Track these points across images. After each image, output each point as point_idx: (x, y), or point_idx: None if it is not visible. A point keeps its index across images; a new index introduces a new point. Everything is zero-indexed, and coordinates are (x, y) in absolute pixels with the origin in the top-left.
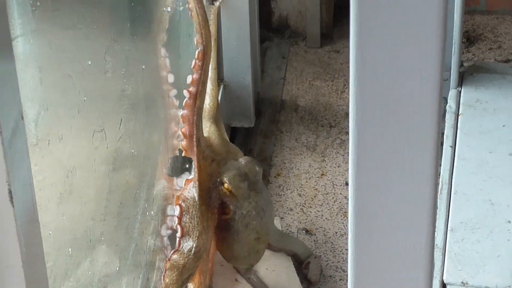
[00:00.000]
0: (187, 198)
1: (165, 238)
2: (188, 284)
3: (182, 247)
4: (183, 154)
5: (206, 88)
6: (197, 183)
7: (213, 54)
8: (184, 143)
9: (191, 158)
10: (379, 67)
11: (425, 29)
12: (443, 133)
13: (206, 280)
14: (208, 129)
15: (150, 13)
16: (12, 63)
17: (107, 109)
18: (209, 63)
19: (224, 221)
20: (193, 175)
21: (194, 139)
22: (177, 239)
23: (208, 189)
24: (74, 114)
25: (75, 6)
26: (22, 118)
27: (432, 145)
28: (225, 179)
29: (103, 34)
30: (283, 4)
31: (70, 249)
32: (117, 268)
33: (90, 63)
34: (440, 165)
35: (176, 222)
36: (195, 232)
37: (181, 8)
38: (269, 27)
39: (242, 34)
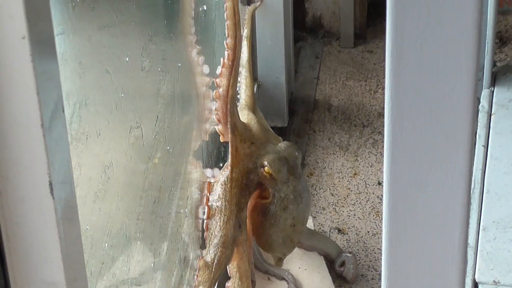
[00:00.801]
0: (219, 180)
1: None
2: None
3: (210, 240)
4: (220, 139)
5: (236, 79)
6: (230, 166)
7: (248, 50)
8: (220, 127)
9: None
10: (415, 67)
11: (460, 29)
12: (475, 133)
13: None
14: (246, 116)
15: (186, 11)
16: (55, 59)
17: (143, 106)
18: (239, 58)
19: (262, 206)
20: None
21: (229, 124)
22: (205, 221)
23: (247, 170)
24: (112, 110)
25: (113, 3)
26: (63, 111)
27: (466, 144)
28: (265, 162)
29: (140, 31)
30: (317, 4)
31: (106, 245)
32: (152, 265)
33: (127, 60)
34: (473, 164)
35: (204, 202)
36: (222, 217)
37: (217, 6)
38: (303, 27)
39: (277, 34)
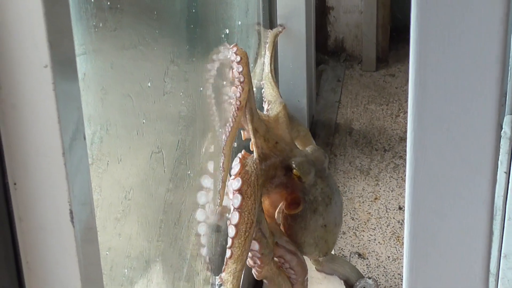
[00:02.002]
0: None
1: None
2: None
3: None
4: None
5: (251, 94)
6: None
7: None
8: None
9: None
10: (437, 94)
11: (483, 56)
12: (498, 159)
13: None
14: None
15: (208, 36)
16: (77, 86)
17: (165, 130)
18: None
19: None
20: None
21: (250, 127)
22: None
23: (274, 165)
24: (133, 134)
25: (135, 26)
26: (84, 138)
27: (488, 171)
28: (294, 165)
29: (162, 55)
30: (339, 27)
31: (126, 270)
32: None
33: (149, 84)
34: (494, 192)
35: (238, 186)
36: (246, 206)
37: (239, 29)
38: (325, 50)
39: (299, 57)
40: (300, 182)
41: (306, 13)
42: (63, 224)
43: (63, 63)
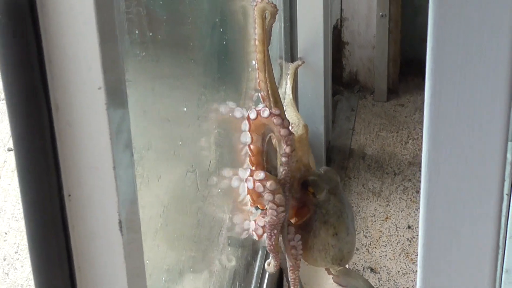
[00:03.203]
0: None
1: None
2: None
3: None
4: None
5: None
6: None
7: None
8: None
9: None
10: (451, 121)
11: (492, 87)
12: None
13: None
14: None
15: (236, 66)
16: (126, 108)
17: (198, 152)
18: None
19: (305, 223)
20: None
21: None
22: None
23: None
24: (171, 155)
25: (174, 57)
26: (132, 155)
27: (496, 193)
28: (310, 182)
29: (196, 83)
30: (353, 61)
31: (163, 278)
32: None
33: (185, 109)
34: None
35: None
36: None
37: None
38: (340, 82)
39: (317, 88)
40: (314, 197)
41: (324, 48)
42: (112, 232)
43: (114, 86)
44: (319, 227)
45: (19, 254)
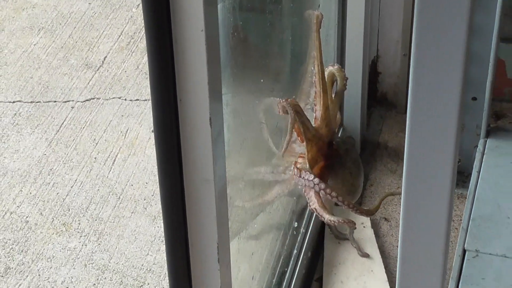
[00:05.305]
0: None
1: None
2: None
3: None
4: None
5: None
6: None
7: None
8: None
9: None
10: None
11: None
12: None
13: None
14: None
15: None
16: (223, 138)
17: (266, 160)
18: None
19: (327, 168)
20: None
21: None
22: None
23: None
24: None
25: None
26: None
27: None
28: (335, 142)
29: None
30: (384, 85)
31: (252, 276)
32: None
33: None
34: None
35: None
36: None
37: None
38: (374, 99)
39: (356, 103)
40: (338, 152)
41: (362, 75)
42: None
43: (217, 117)
44: (339, 168)
45: (154, 196)
